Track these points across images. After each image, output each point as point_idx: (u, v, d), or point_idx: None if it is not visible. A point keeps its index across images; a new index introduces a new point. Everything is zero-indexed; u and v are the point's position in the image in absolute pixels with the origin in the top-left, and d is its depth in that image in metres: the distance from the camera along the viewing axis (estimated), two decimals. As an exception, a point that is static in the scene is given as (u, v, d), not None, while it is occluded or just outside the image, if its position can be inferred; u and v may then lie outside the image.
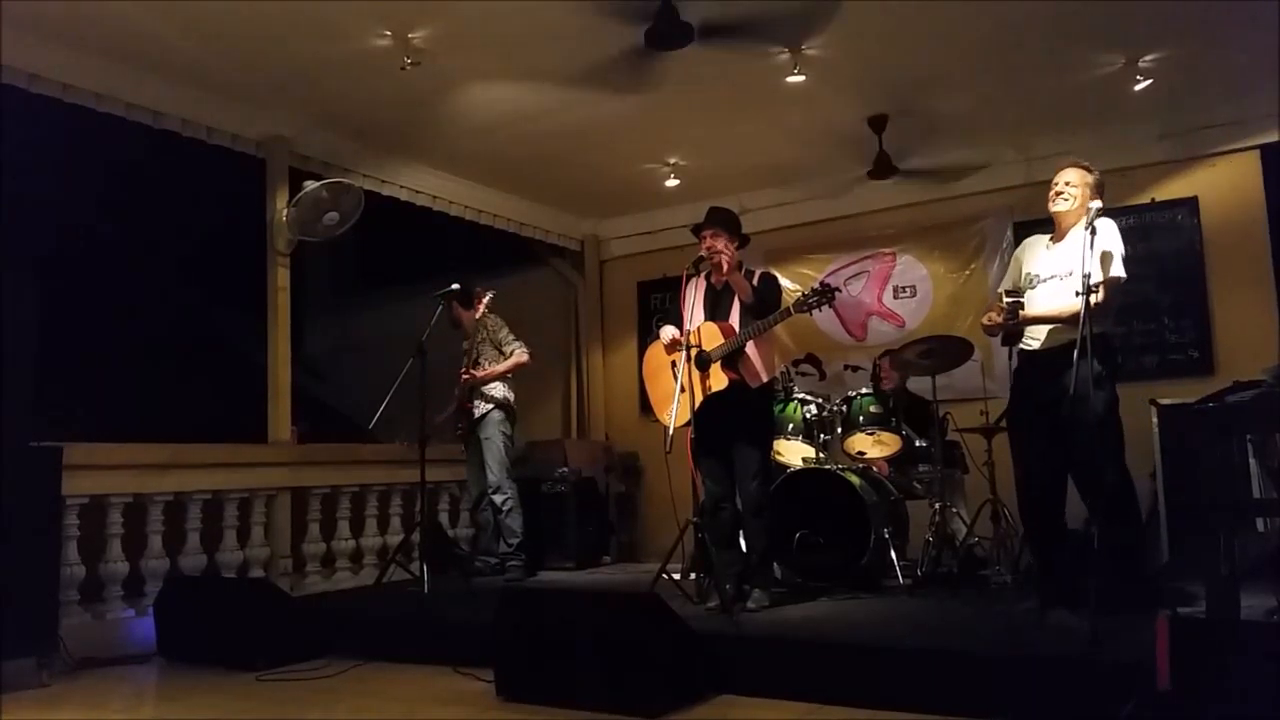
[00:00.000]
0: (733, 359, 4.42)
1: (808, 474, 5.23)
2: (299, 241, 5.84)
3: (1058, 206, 4.08)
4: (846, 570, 4.95)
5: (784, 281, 5.19)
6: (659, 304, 7.79)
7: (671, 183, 6.87)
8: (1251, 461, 4.01)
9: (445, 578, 5.42)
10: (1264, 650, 2.73)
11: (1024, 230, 5.43)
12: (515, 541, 5.86)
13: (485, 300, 5.86)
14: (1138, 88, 5.40)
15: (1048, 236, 4.18)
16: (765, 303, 4.45)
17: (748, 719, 3.40)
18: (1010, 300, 4.02)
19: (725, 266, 4.43)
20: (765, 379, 4.53)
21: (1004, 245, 6.49)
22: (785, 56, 5.06)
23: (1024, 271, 4.19)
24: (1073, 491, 4.03)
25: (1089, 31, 4.94)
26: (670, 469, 4.42)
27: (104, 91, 5.02)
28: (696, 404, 4.31)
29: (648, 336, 5.01)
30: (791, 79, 5.16)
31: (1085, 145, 5.86)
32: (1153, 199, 6.22)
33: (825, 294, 4.25)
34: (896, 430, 5.33)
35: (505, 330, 6.02)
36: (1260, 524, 4.13)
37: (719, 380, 4.39)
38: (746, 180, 6.99)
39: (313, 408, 7.64)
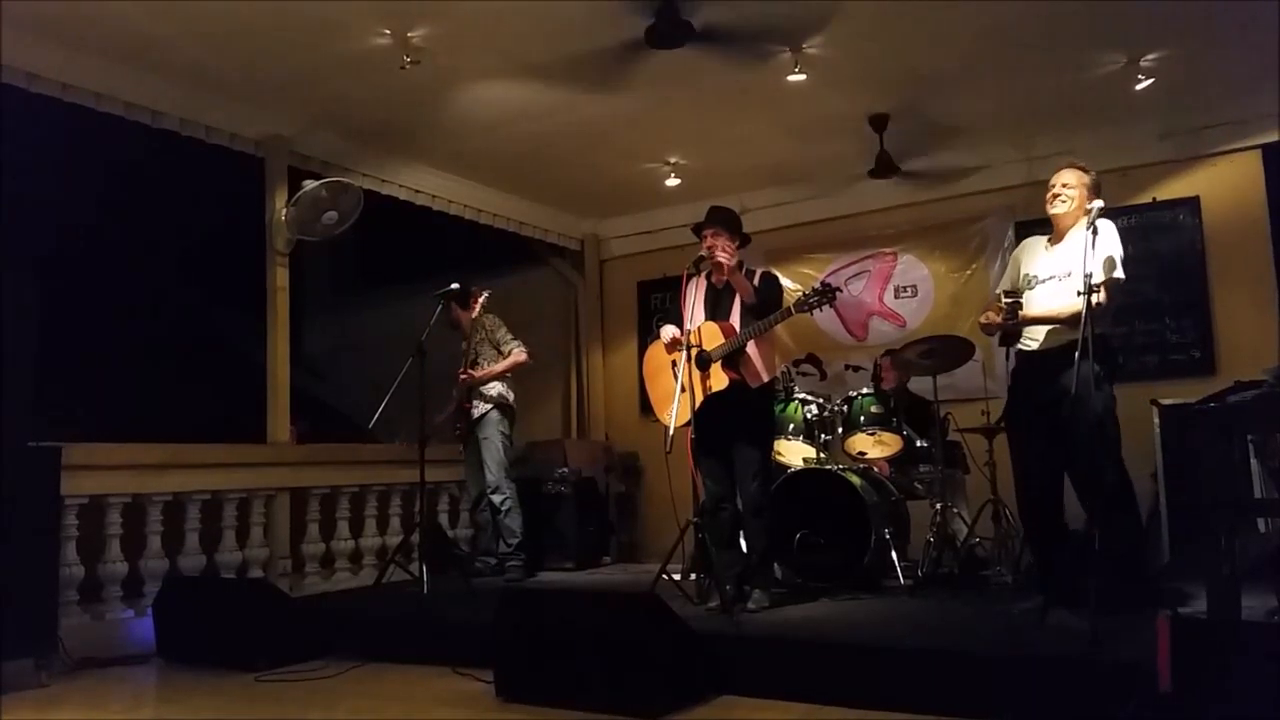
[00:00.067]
0: (733, 359, 4.41)
1: (808, 474, 5.22)
2: (298, 241, 5.83)
3: (1056, 209, 4.09)
4: (847, 570, 4.94)
5: (784, 281, 5.17)
6: (659, 304, 7.78)
7: (672, 182, 6.86)
8: (1252, 461, 4.02)
9: (445, 578, 5.41)
10: (1265, 651, 2.73)
11: (1025, 230, 5.44)
12: (514, 541, 5.85)
13: (481, 300, 5.85)
14: (1139, 87, 5.39)
15: (1046, 238, 4.19)
16: (766, 302, 4.44)
17: (748, 719, 3.39)
18: (1009, 300, 4.02)
19: (726, 266, 4.42)
20: (766, 379, 4.53)
21: (1005, 245, 6.47)
22: (786, 55, 5.05)
23: (1022, 272, 4.20)
24: (1073, 492, 4.03)
25: (1090, 31, 4.94)
26: (670, 469, 4.41)
27: (103, 91, 5.02)
28: (697, 404, 4.31)
29: (648, 336, 5.01)
30: (792, 78, 5.15)
31: (1086, 145, 5.86)
32: (1154, 199, 6.21)
33: (826, 294, 4.25)
34: (897, 430, 5.32)
35: (503, 330, 6.02)
36: (1261, 524, 4.13)
37: (719, 380, 4.38)
38: (747, 180, 6.98)
39: (312, 407, 7.64)
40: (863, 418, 5.36)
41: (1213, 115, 5.95)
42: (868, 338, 7.06)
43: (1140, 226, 6.11)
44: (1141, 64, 5.24)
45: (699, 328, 4.50)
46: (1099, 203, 3.76)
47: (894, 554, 4.97)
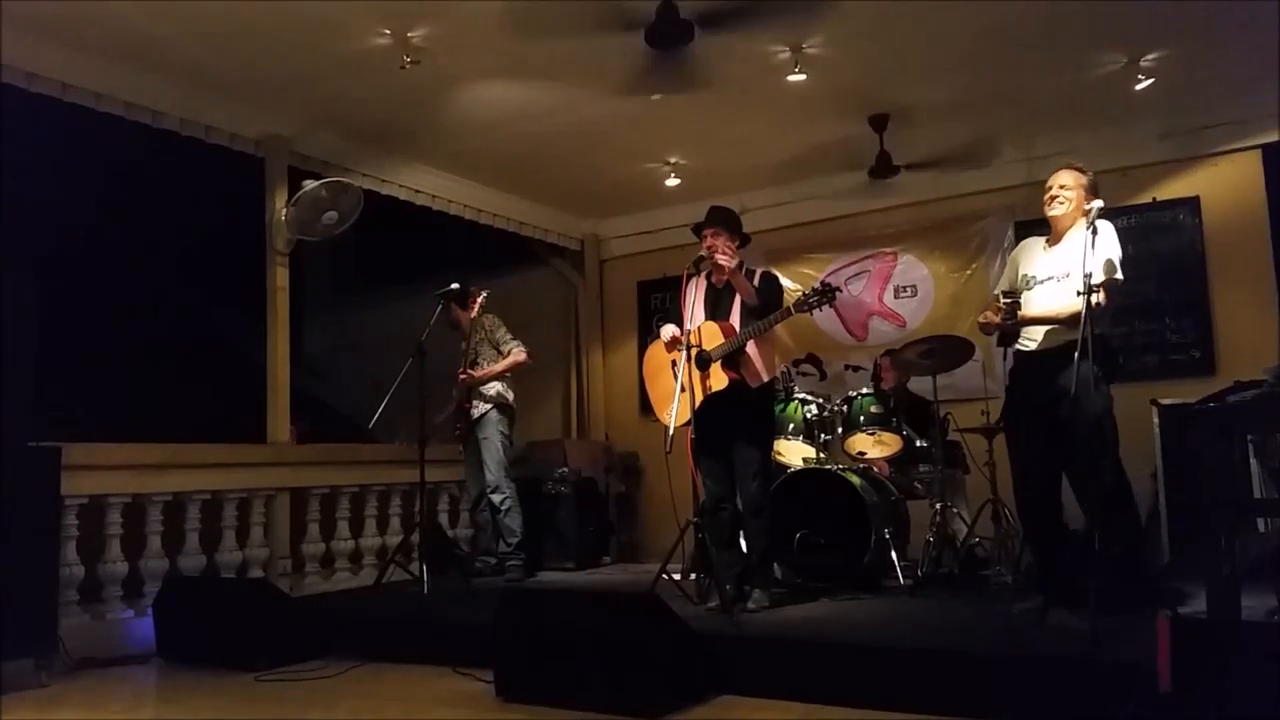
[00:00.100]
0: (733, 359, 4.41)
1: (808, 474, 5.22)
2: (298, 241, 5.83)
3: (1054, 210, 4.09)
4: (847, 570, 4.94)
5: (784, 281, 5.17)
6: (659, 304, 7.78)
7: (672, 182, 6.86)
8: (1252, 461, 4.01)
9: (445, 578, 5.41)
10: (1265, 651, 2.73)
11: (1025, 230, 5.44)
12: (514, 541, 5.85)
13: (480, 300, 5.85)
14: (1139, 87, 5.39)
15: (1044, 239, 4.19)
16: (766, 302, 4.44)
17: (748, 719, 3.39)
18: (1008, 300, 4.02)
19: (726, 266, 4.42)
20: (766, 379, 4.53)
21: (1005, 245, 6.47)
22: (786, 55, 5.05)
23: (1020, 273, 4.20)
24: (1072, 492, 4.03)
25: (1090, 31, 4.94)
26: (670, 469, 4.41)
27: (103, 91, 5.02)
28: (697, 404, 4.31)
29: (648, 336, 5.01)
30: (792, 78, 5.15)
31: (1086, 145, 5.87)
32: (1154, 199, 6.21)
33: (826, 294, 4.25)
34: (897, 430, 5.32)
35: (503, 330, 6.02)
36: (1261, 524, 4.12)
37: (719, 380, 4.38)
38: (747, 180, 6.98)
39: (312, 407, 7.64)
40: (862, 418, 5.36)
41: (1213, 115, 5.95)
42: (868, 338, 7.06)
43: (1140, 226, 6.11)
44: (1141, 64, 5.24)
45: (699, 327, 4.49)
46: (1098, 203, 3.76)
47: (894, 554, 4.97)
